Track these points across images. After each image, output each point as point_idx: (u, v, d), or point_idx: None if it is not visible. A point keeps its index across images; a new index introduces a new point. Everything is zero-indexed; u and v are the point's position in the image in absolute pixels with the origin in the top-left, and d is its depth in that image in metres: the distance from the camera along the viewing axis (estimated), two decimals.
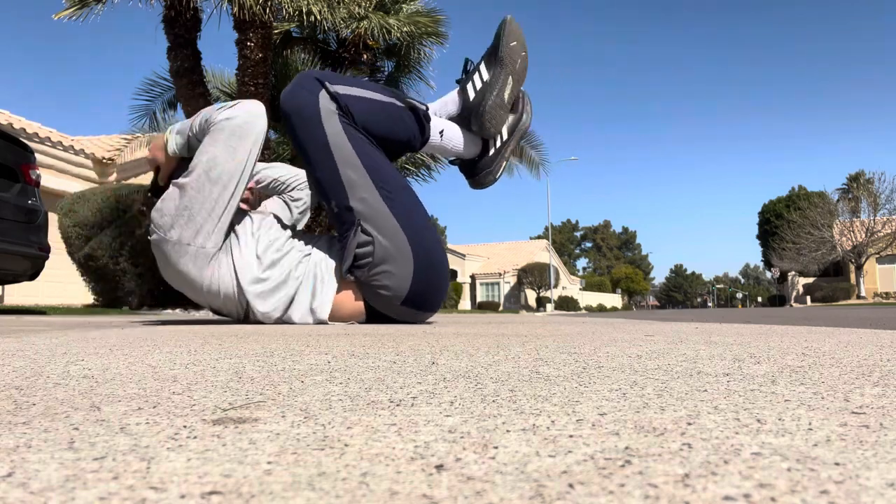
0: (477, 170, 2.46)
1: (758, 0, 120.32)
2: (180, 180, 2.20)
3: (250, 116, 2.21)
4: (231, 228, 2.25)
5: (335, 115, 2.17)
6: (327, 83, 2.19)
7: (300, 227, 2.69)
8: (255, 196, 2.66)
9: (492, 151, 2.44)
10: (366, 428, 0.45)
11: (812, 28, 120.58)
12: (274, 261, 2.22)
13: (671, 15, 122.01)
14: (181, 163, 2.36)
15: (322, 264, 2.26)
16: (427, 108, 2.32)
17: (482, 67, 2.37)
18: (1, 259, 4.51)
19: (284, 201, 2.64)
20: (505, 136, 2.44)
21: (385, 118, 2.25)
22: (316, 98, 2.17)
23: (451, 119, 2.43)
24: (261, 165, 2.61)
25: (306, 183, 2.67)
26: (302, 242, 2.33)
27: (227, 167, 2.16)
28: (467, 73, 2.41)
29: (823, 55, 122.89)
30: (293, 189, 2.65)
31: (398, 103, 2.29)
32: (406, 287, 2.19)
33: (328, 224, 9.33)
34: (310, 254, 2.29)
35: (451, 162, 2.53)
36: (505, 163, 2.48)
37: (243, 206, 2.50)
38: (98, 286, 6.72)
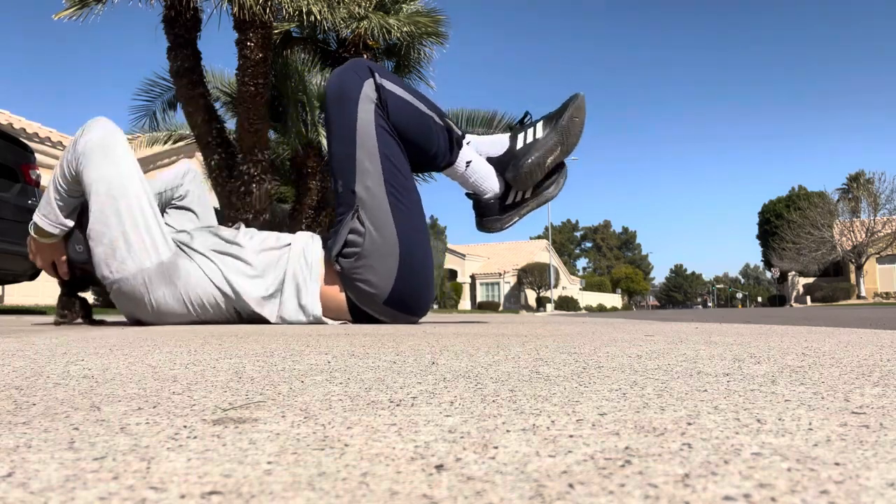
0: (488, 212, 2.44)
1: (757, 0, 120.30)
2: (90, 227, 2.19)
3: (104, 128, 2.24)
4: (186, 244, 2.24)
5: (372, 104, 2.19)
6: (377, 73, 2.22)
7: (208, 220, 2.62)
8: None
9: (508, 201, 2.43)
10: (366, 428, 0.45)
11: (812, 28, 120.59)
12: (255, 268, 2.24)
13: (671, 14, 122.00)
14: (67, 242, 2.34)
15: (302, 261, 2.27)
16: (463, 135, 2.33)
17: (539, 126, 2.38)
18: (1, 259, 4.51)
19: (178, 208, 2.59)
20: (528, 195, 2.44)
21: (417, 126, 2.26)
22: (361, 82, 2.20)
23: (489, 159, 2.42)
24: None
25: (181, 173, 2.59)
26: (283, 243, 2.33)
27: (121, 176, 2.18)
28: (523, 125, 2.42)
29: (824, 55, 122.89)
30: (175, 191, 2.58)
31: (436, 119, 2.29)
32: (388, 286, 2.19)
33: (329, 225, 9.32)
34: (289, 247, 2.29)
35: (468, 195, 2.50)
36: (517, 219, 2.47)
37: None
38: (98, 286, 6.71)
